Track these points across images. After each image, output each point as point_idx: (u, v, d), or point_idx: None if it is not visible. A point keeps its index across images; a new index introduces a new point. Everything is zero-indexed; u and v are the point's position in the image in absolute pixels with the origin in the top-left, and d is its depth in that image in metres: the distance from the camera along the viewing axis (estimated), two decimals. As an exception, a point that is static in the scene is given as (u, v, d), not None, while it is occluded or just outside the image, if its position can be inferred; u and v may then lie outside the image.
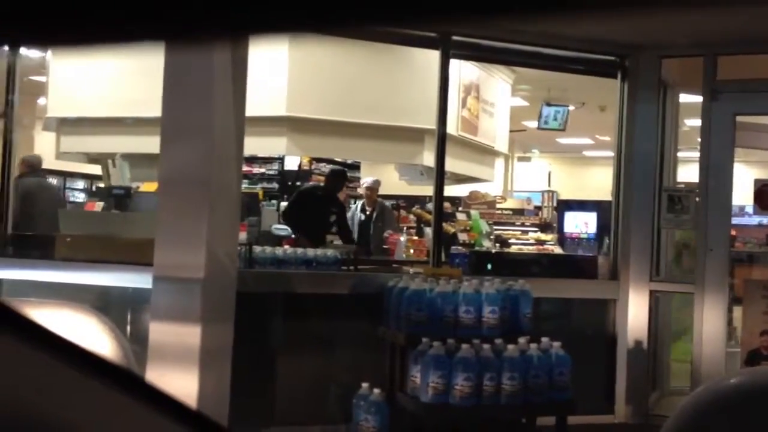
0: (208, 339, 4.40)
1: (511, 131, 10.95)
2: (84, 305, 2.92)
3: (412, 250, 8.64)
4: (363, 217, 9.03)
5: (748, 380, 1.88)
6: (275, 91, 7.49)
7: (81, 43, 0.46)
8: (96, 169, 10.26)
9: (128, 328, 5.38)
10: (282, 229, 6.84)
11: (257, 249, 5.64)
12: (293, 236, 7.51)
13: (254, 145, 7.05)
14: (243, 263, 5.37)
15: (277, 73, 7.44)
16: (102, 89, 8.05)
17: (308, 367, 5.62)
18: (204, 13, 0.43)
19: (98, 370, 0.67)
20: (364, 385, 4.75)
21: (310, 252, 5.88)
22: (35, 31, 0.45)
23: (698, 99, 6.53)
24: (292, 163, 11.07)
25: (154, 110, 4.65)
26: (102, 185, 9.14)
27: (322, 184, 8.87)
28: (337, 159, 11.36)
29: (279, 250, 5.78)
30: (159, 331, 4.42)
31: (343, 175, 8.87)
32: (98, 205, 6.85)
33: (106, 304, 5.46)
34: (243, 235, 5.72)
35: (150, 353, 4.36)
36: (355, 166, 11.99)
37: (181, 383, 4.22)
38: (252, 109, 4.97)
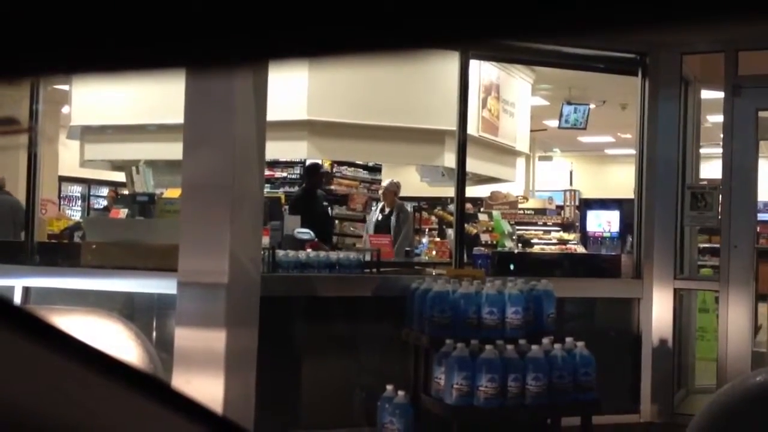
0: (233, 343, 4.43)
1: (531, 131, 10.92)
2: (110, 312, 2.96)
3: (434, 252, 8.65)
4: (381, 217, 9.09)
5: (773, 378, 1.87)
6: (296, 95, 7.51)
7: (102, 71, 0.48)
8: (120, 177, 10.34)
9: (154, 334, 5.42)
10: (304, 232, 6.85)
11: (280, 253, 5.65)
12: (316, 240, 7.54)
13: (276, 149, 7.07)
14: (266, 267, 5.38)
15: (298, 77, 7.46)
16: (125, 97, 8.12)
17: (333, 370, 5.64)
18: (223, 42, 0.44)
19: (124, 376, 0.68)
20: (389, 387, 4.76)
21: (333, 255, 5.89)
22: (58, 61, 0.46)
23: (720, 95, 6.49)
24: (313, 167, 11.10)
25: (177, 117, 4.68)
26: (126, 192, 9.20)
27: (304, 185, 8.93)
28: (358, 162, 11.41)
29: (302, 254, 5.80)
30: (184, 337, 4.45)
31: (316, 168, 8.90)
32: (123, 212, 6.89)
33: (132, 311, 5.50)
34: (266, 240, 5.73)
35: (175, 359, 4.39)
36: (377, 169, 12.03)
37: (206, 388, 4.24)
38: (273, 113, 4.99)
